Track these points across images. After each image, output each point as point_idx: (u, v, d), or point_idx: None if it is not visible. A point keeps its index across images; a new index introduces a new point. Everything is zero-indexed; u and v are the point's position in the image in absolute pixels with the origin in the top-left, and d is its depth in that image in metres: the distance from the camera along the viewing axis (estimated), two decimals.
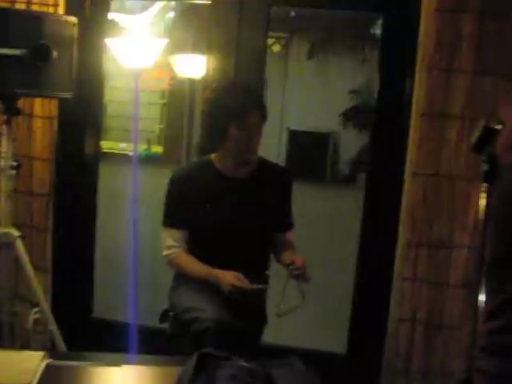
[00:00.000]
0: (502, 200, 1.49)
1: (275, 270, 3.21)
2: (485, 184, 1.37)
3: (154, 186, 4.08)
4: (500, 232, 1.48)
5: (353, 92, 6.41)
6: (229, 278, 2.90)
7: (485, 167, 1.39)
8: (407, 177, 3.52)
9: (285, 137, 6.63)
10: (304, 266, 2.91)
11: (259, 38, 3.87)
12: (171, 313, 3.15)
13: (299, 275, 2.89)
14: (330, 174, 6.46)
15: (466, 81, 3.39)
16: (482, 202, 1.39)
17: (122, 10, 7.72)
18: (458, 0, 3.40)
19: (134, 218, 3.74)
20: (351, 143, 6.47)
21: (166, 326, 3.20)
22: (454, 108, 3.38)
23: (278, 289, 2.98)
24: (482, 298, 1.57)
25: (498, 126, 1.37)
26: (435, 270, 3.50)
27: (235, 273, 2.91)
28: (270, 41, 6.57)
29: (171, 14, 9.47)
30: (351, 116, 6.48)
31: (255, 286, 2.91)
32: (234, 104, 2.97)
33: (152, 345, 2.92)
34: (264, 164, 3.21)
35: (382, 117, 3.78)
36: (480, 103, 3.34)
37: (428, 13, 3.46)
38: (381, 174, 3.77)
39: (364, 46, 6.41)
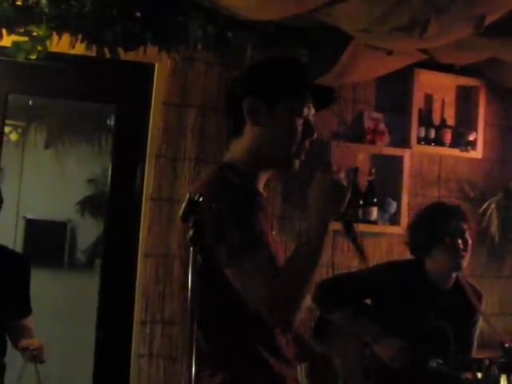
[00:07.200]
0: None
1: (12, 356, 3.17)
2: (191, 248, 1.53)
3: None
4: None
5: (90, 181, 6.56)
6: None
7: (191, 232, 1.55)
8: (140, 258, 3.72)
9: (22, 225, 6.57)
10: (40, 348, 2.94)
11: None
12: None
13: (35, 357, 2.91)
14: (67, 260, 6.51)
15: (190, 168, 3.74)
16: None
17: None
18: (182, 96, 3.78)
19: None
20: (88, 231, 6.58)
21: None
22: (179, 193, 3.68)
23: (14, 375, 2.97)
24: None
25: (200, 198, 1.60)
26: (170, 346, 3.69)
27: None
28: (7, 129, 6.51)
29: None
30: (88, 205, 6.61)
31: None
32: None
33: None
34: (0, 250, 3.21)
35: (115, 203, 3.92)
36: None
37: (156, 106, 3.77)
38: (115, 257, 3.87)
39: (101, 136, 6.60)
